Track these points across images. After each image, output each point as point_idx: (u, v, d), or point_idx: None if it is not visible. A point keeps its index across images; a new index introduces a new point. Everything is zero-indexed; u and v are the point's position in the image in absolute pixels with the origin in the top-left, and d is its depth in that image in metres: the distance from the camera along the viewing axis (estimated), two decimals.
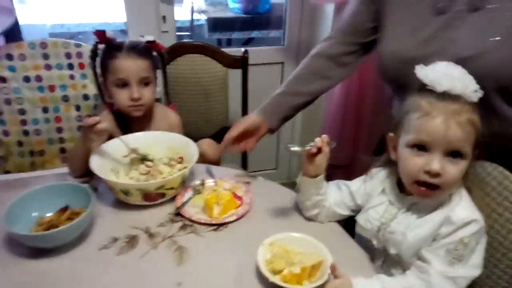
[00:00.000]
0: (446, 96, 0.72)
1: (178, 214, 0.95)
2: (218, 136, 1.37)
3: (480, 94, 0.73)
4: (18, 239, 0.82)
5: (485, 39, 0.83)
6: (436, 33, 0.88)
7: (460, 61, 0.79)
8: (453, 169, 0.73)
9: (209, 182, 1.05)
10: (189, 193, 1.01)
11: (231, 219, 0.93)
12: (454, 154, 0.73)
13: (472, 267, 0.74)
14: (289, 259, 0.78)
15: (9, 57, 1.38)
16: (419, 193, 0.77)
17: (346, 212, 0.93)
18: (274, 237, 0.83)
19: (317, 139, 0.84)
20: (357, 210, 0.91)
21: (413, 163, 0.75)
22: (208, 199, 0.95)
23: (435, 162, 0.72)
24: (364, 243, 0.88)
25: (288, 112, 1.07)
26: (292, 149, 0.85)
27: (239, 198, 0.99)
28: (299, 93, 1.07)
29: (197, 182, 1.04)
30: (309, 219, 0.94)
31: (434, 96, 0.73)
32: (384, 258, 0.86)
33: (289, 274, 0.74)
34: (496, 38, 0.82)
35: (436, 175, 0.72)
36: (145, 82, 1.14)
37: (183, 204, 0.97)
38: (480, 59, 0.82)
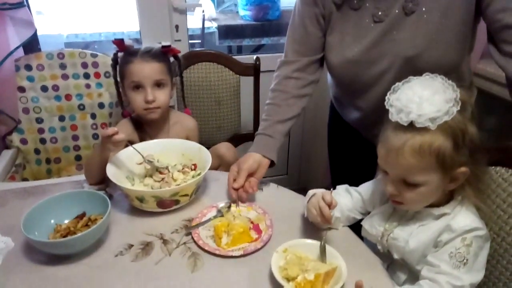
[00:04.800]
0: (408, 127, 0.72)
1: (189, 233, 0.91)
2: (230, 143, 1.39)
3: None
4: (36, 245, 0.83)
5: (425, 38, 0.93)
6: (380, 37, 0.96)
7: (406, 60, 0.94)
8: (410, 193, 0.76)
9: (236, 206, 0.99)
10: (212, 213, 0.97)
11: (236, 254, 0.85)
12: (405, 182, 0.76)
13: (476, 272, 0.74)
14: (302, 265, 0.78)
15: (28, 67, 1.42)
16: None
17: (359, 217, 0.94)
18: (287, 243, 0.83)
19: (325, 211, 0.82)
20: (367, 214, 0.92)
21: (383, 184, 0.82)
22: (218, 226, 0.89)
23: (389, 186, 0.78)
24: (370, 247, 0.89)
25: (282, 140, 1.08)
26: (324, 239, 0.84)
27: (259, 231, 0.92)
28: (287, 119, 1.07)
29: (223, 204, 0.99)
30: None
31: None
32: (389, 262, 0.87)
33: (303, 281, 0.74)
34: (433, 36, 0.92)
35: (394, 195, 0.78)
36: (159, 84, 1.16)
37: (199, 224, 0.93)
38: (423, 56, 0.93)
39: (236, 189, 0.99)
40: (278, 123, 1.06)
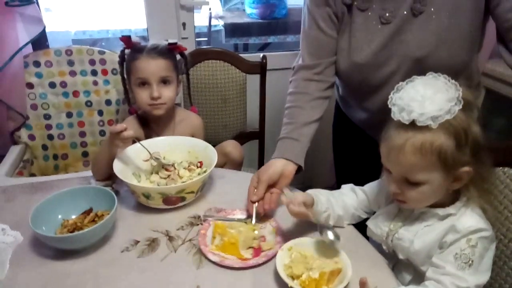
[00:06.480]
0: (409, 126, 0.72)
1: (205, 219, 0.93)
2: (236, 141, 1.39)
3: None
4: (44, 240, 0.84)
5: (433, 39, 0.92)
6: (388, 39, 0.95)
7: (415, 61, 0.94)
8: (412, 192, 0.76)
9: (270, 220, 0.94)
10: (239, 215, 0.96)
11: (212, 258, 0.82)
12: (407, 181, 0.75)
13: (481, 273, 0.73)
14: (307, 264, 0.78)
15: (37, 64, 1.43)
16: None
17: (364, 216, 0.94)
18: (292, 242, 0.83)
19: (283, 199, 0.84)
20: (372, 213, 0.92)
21: (386, 183, 0.82)
22: (216, 225, 0.89)
23: (392, 185, 0.78)
24: (376, 247, 0.89)
25: (308, 144, 1.01)
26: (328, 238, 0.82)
27: (256, 255, 0.84)
28: (312, 121, 1.02)
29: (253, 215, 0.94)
30: None
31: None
32: (395, 261, 0.87)
33: (308, 279, 0.74)
34: (442, 37, 0.92)
35: (396, 194, 0.78)
36: (164, 81, 1.16)
37: (220, 218, 0.94)
38: (432, 57, 0.93)
39: (254, 202, 0.93)
40: (303, 126, 1.00)
